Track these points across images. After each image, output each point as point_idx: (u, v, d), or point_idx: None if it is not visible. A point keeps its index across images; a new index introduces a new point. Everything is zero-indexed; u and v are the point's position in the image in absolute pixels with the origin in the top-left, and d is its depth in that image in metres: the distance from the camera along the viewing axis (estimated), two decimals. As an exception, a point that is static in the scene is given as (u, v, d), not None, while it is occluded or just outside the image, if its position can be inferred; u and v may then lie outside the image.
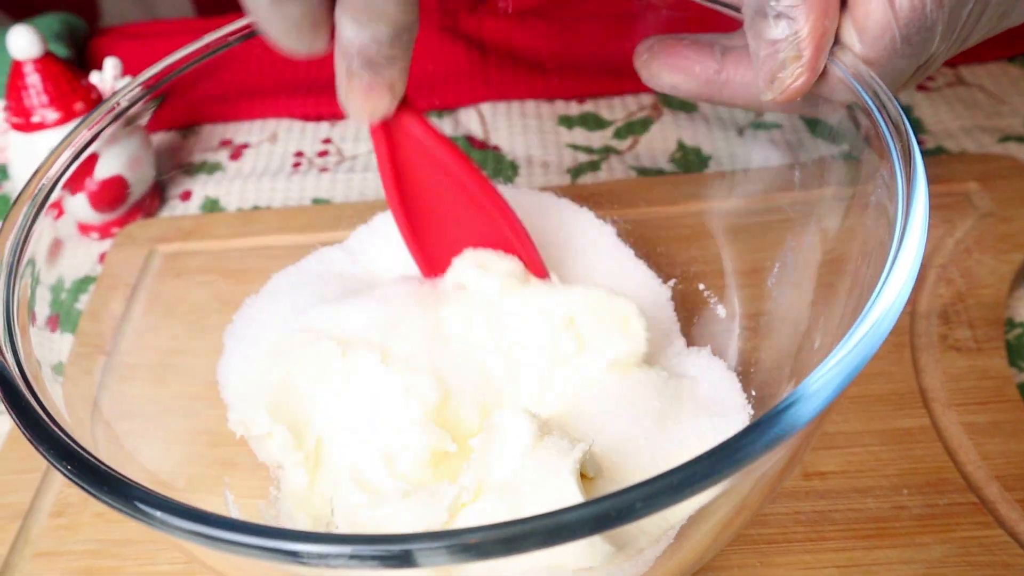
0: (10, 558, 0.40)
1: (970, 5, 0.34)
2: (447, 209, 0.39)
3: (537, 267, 0.41)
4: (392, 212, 0.40)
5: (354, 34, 0.31)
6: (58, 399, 0.33)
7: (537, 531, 0.21)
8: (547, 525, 0.21)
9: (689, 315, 0.45)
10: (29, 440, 0.27)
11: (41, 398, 0.30)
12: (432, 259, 0.42)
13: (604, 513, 0.21)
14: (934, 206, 0.51)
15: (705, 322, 0.45)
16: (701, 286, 0.46)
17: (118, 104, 0.42)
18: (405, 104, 0.35)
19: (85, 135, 0.40)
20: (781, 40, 0.34)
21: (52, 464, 0.26)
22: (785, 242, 0.41)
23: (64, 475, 0.26)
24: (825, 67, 0.34)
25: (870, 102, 0.32)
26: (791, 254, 0.41)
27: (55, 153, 0.39)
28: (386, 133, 0.36)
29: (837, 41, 0.34)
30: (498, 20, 0.66)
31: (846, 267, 0.34)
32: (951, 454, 0.39)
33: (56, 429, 0.28)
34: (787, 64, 0.34)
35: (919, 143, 0.58)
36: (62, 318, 0.43)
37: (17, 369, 0.31)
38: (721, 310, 0.45)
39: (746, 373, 0.41)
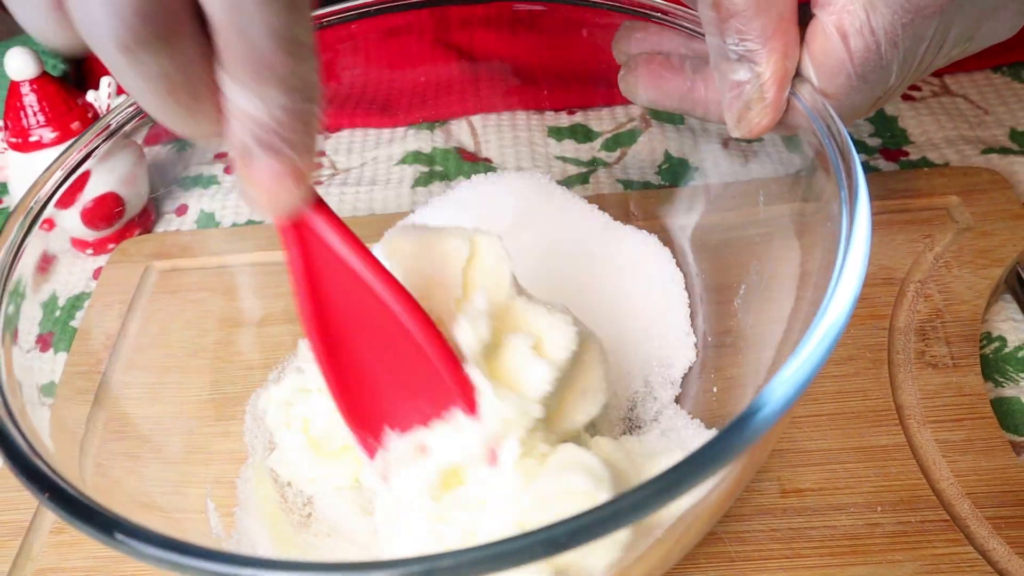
0: (12, 574, 0.42)
1: (926, 43, 0.35)
2: (370, 337, 0.32)
3: (469, 404, 0.32)
4: (309, 340, 0.32)
5: (245, 103, 0.25)
6: (44, 422, 0.34)
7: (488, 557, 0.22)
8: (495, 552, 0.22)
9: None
10: (9, 468, 0.29)
11: (21, 426, 0.31)
12: (358, 406, 0.34)
13: (551, 539, 0.22)
14: (915, 220, 0.52)
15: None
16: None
17: (110, 124, 0.43)
18: (316, 200, 0.29)
19: (77, 155, 0.42)
20: (744, 82, 0.35)
21: (32, 493, 0.28)
22: (755, 258, 0.43)
23: (44, 505, 0.27)
24: (788, 100, 0.36)
25: (822, 131, 0.34)
26: (760, 270, 0.42)
27: (47, 173, 0.40)
28: (297, 235, 0.30)
29: (797, 74, 0.36)
30: (489, 33, 0.67)
31: (805, 284, 0.35)
32: (925, 471, 0.40)
33: (35, 458, 0.29)
34: (752, 105, 0.36)
35: (904, 155, 0.59)
36: (56, 336, 0.44)
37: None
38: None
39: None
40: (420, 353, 0.31)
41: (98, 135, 0.42)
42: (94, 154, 0.42)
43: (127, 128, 0.43)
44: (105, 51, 0.24)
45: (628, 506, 0.23)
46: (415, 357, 0.31)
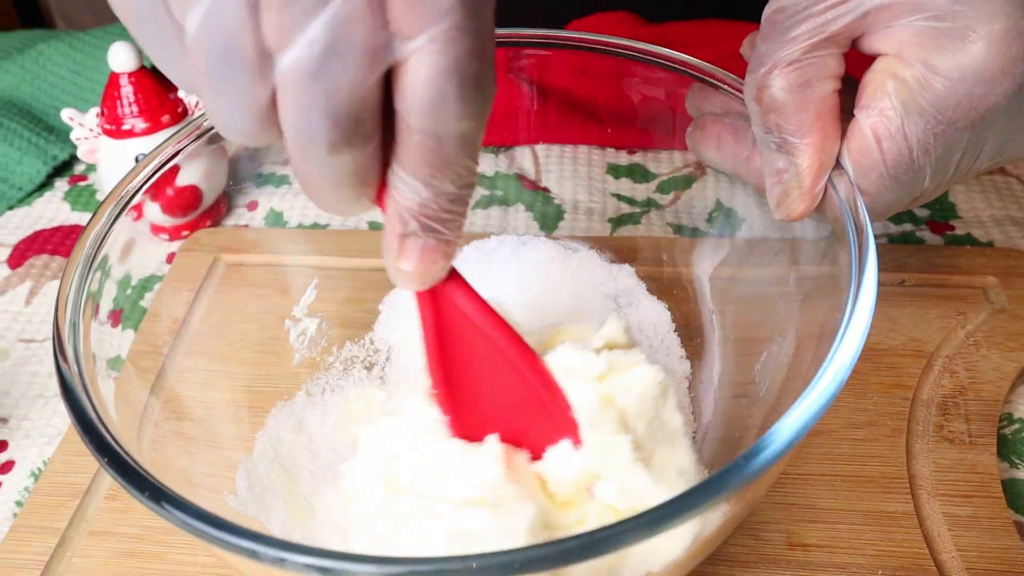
0: (67, 533, 0.45)
1: (959, 153, 0.37)
2: (485, 375, 0.36)
3: (572, 432, 0.37)
4: (431, 375, 0.37)
5: (415, 193, 0.28)
6: (109, 394, 0.37)
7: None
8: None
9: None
10: (77, 431, 0.32)
11: (91, 394, 0.34)
12: (466, 425, 0.38)
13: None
14: (951, 297, 0.54)
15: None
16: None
17: (203, 124, 0.46)
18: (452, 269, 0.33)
19: (170, 150, 0.45)
20: (783, 170, 0.38)
21: (94, 456, 0.31)
22: (779, 316, 0.45)
23: (103, 467, 0.31)
24: (825, 187, 0.38)
25: (849, 223, 0.36)
26: (783, 330, 0.44)
27: (142, 163, 0.44)
28: (432, 296, 0.34)
29: (838, 166, 0.38)
30: (561, 70, 0.69)
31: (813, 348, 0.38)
32: (929, 542, 0.42)
33: (100, 425, 0.32)
34: (790, 192, 0.38)
35: (950, 228, 0.61)
36: (126, 313, 0.47)
37: (75, 364, 0.35)
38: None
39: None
40: (521, 377, 0.35)
41: (190, 135, 0.45)
42: (184, 151, 0.46)
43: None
44: (306, 150, 0.27)
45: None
46: (516, 380, 0.36)
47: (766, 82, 0.38)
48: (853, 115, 0.38)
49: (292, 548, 0.27)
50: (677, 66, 0.46)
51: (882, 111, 0.36)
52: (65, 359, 0.34)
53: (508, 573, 0.25)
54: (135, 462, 0.31)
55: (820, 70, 0.37)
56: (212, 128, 0.47)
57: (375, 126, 0.27)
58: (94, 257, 0.40)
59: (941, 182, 0.38)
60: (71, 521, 0.45)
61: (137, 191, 0.43)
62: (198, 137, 0.46)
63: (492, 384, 0.36)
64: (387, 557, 0.26)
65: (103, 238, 0.41)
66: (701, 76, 0.45)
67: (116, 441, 0.32)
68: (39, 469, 0.50)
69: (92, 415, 0.33)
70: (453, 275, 0.33)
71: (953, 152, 0.37)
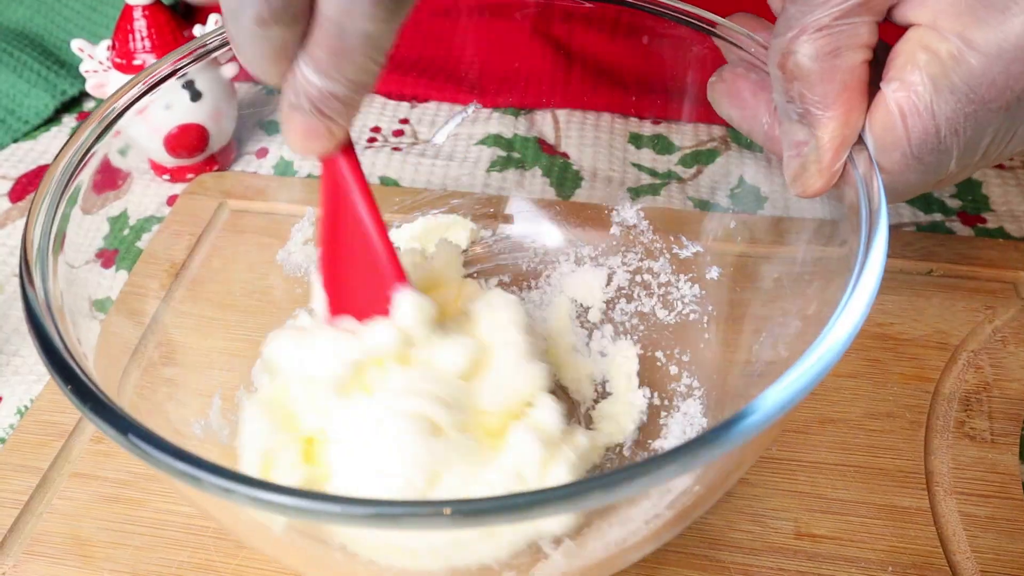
0: (49, 473, 0.44)
1: (990, 136, 0.34)
2: (355, 253, 0.39)
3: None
4: (320, 243, 0.40)
5: (311, 79, 0.31)
6: (91, 335, 0.35)
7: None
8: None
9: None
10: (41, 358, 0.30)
11: (56, 317, 0.32)
12: (338, 298, 0.40)
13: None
14: (979, 290, 0.51)
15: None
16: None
17: (205, 45, 0.43)
18: (345, 149, 0.36)
19: (165, 69, 0.42)
20: (803, 143, 0.35)
21: (50, 372, 0.30)
22: (785, 293, 0.43)
23: (65, 394, 0.29)
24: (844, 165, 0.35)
25: (863, 203, 0.34)
26: (785, 308, 0.42)
27: (131, 82, 0.41)
28: (327, 169, 0.37)
29: (859, 141, 0.35)
30: (588, 32, 0.67)
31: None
32: (943, 541, 0.40)
33: (65, 353, 0.30)
34: (808, 166, 0.35)
35: (981, 221, 0.59)
36: (120, 255, 0.45)
37: (42, 288, 0.33)
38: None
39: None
40: (377, 261, 0.38)
41: (189, 53, 0.43)
42: (180, 74, 0.43)
43: (218, 54, 0.44)
44: (237, 16, 0.30)
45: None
46: (374, 264, 0.38)
47: (792, 47, 0.35)
48: (879, 88, 0.35)
49: (252, 483, 0.25)
50: (703, 25, 0.44)
51: (911, 85, 0.34)
52: (32, 282, 0.33)
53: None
54: (101, 391, 0.29)
55: (851, 38, 0.34)
56: (212, 46, 0.44)
57: (302, 11, 0.30)
58: (66, 187, 0.37)
59: (967, 165, 0.36)
60: (54, 462, 0.44)
61: (121, 114, 0.40)
62: (196, 59, 0.43)
63: (358, 260, 0.39)
64: (355, 498, 0.25)
65: (79, 164, 0.38)
66: (727, 37, 0.43)
67: (81, 368, 0.30)
68: (25, 407, 0.48)
69: (56, 339, 0.31)
70: (347, 154, 0.36)
71: (983, 134, 0.34)
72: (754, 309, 0.46)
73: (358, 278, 0.39)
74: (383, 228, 0.38)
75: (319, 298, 0.40)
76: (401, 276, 0.38)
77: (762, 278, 0.46)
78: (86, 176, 0.39)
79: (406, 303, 0.38)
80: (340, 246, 0.39)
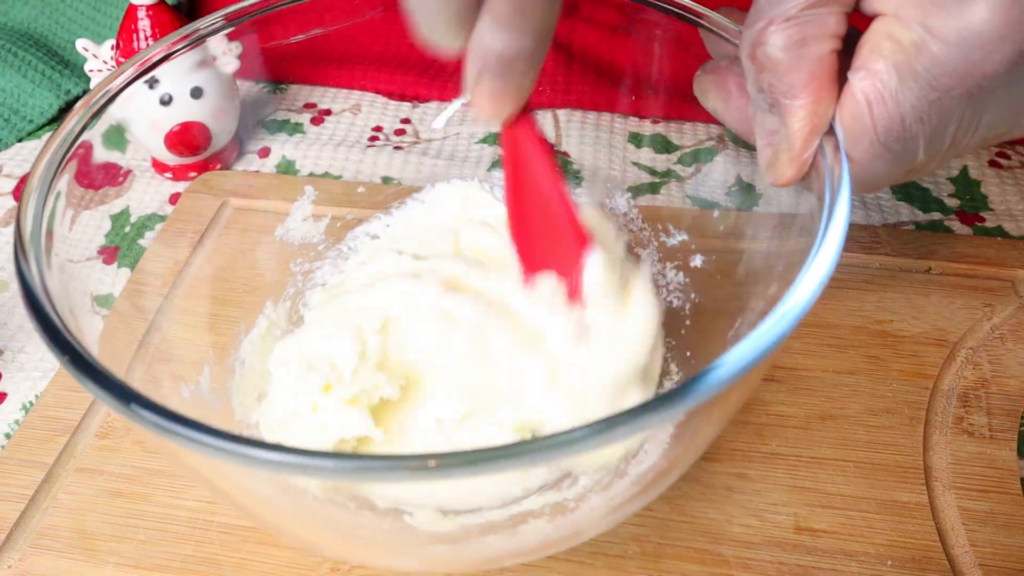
0: (54, 468, 0.44)
1: (955, 124, 0.35)
2: (537, 215, 0.40)
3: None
4: (507, 208, 0.40)
5: (494, 39, 0.31)
6: (93, 330, 0.35)
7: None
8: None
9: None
10: (38, 331, 0.30)
11: (51, 290, 0.32)
12: (527, 258, 0.41)
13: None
14: (978, 288, 0.52)
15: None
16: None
17: (197, 30, 0.43)
18: (527, 115, 0.36)
19: (157, 53, 0.42)
20: (774, 132, 0.36)
21: (50, 348, 0.29)
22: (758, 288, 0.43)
23: (65, 367, 0.29)
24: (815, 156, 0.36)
25: (827, 195, 0.34)
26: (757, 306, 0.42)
27: (120, 69, 0.40)
28: (509, 133, 0.37)
29: (830, 131, 0.36)
30: (589, 30, 0.68)
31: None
32: (942, 535, 0.41)
33: (61, 328, 0.30)
34: (779, 155, 0.36)
35: (980, 220, 0.59)
36: (122, 252, 0.46)
37: (36, 267, 0.32)
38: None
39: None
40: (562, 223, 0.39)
41: (181, 39, 0.43)
42: (173, 59, 0.43)
43: (209, 42, 0.44)
44: None
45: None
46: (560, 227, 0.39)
47: (761, 38, 0.35)
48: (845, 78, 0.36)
49: (249, 443, 0.26)
50: (690, 15, 0.44)
51: (876, 74, 0.34)
52: (26, 258, 0.32)
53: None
54: (98, 363, 0.29)
55: (818, 28, 0.35)
56: (204, 37, 0.44)
57: None
58: (57, 173, 0.37)
59: (936, 154, 0.36)
60: (59, 457, 0.44)
61: (111, 100, 0.39)
62: (189, 45, 0.43)
63: (540, 223, 0.39)
64: (343, 453, 0.25)
65: (67, 151, 0.37)
66: (713, 28, 0.43)
67: (77, 341, 0.29)
68: (30, 403, 0.49)
69: (51, 313, 0.30)
70: (526, 119, 0.36)
71: (948, 121, 0.35)
72: (730, 297, 0.46)
73: (546, 241, 0.40)
74: (565, 190, 0.38)
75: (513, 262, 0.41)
76: (586, 238, 0.38)
77: (739, 268, 0.47)
78: (80, 155, 0.38)
79: (595, 264, 0.38)
80: (526, 210, 0.39)
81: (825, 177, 0.34)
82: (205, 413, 0.42)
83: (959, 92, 0.34)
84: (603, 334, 0.38)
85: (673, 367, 0.46)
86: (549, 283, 0.40)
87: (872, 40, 0.35)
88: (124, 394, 0.27)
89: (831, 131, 0.36)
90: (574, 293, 0.41)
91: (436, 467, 0.25)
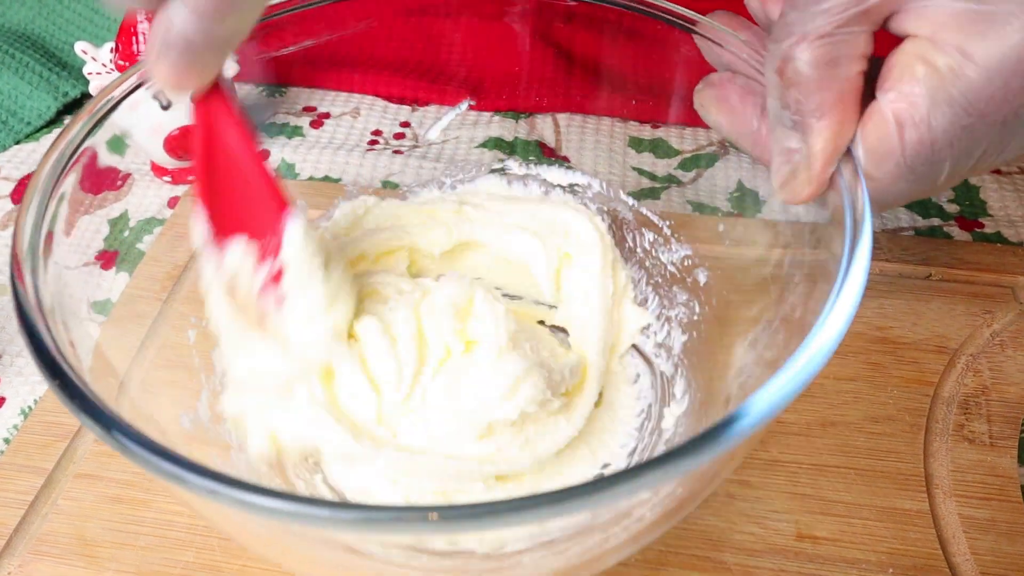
0: (53, 473, 0.44)
1: (983, 148, 0.34)
2: (231, 182, 0.40)
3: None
4: (196, 186, 0.40)
5: (186, 23, 0.31)
6: (88, 338, 0.35)
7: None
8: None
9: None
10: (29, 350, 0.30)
11: (44, 308, 0.32)
12: (219, 222, 0.41)
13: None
14: (978, 295, 0.52)
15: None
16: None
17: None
18: (214, 92, 0.36)
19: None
20: (795, 150, 0.35)
21: (41, 370, 0.29)
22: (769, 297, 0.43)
23: (52, 389, 0.29)
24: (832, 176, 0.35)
25: (848, 216, 0.33)
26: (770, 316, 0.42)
27: (124, 76, 0.41)
28: (200, 105, 0.37)
29: (847, 152, 0.35)
30: (590, 35, 0.67)
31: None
32: (943, 543, 0.41)
33: (55, 352, 0.30)
34: (798, 174, 0.35)
35: (979, 226, 0.59)
36: (121, 256, 0.45)
37: (32, 284, 0.32)
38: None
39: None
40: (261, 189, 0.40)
41: None
42: None
43: None
44: None
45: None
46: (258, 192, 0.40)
47: (792, 54, 0.35)
48: (872, 98, 0.35)
49: (239, 485, 0.26)
50: (684, 23, 0.44)
51: (908, 96, 0.33)
52: (21, 279, 0.32)
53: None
54: (85, 385, 0.29)
55: (850, 48, 0.34)
56: None
57: None
58: (57, 183, 0.37)
59: (955, 176, 0.36)
60: (58, 462, 0.44)
61: (112, 108, 0.40)
62: None
63: (239, 198, 0.40)
64: (342, 503, 0.25)
65: (68, 159, 0.38)
66: (707, 35, 0.43)
67: (69, 365, 0.30)
68: (29, 407, 0.48)
69: (46, 337, 0.30)
70: (218, 91, 0.36)
71: (977, 146, 0.34)
72: (740, 311, 0.46)
73: (243, 209, 0.40)
74: (262, 158, 0.40)
75: (198, 232, 0.41)
76: (284, 202, 0.40)
77: (748, 281, 0.47)
78: (79, 167, 0.38)
79: (295, 228, 0.40)
80: (221, 181, 0.39)
81: (844, 198, 0.34)
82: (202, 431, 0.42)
83: (993, 119, 0.33)
84: (298, 304, 0.40)
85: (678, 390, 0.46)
86: (241, 245, 0.40)
87: (904, 62, 0.34)
88: (109, 423, 0.28)
89: (848, 151, 0.35)
90: (270, 253, 0.41)
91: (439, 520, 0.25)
